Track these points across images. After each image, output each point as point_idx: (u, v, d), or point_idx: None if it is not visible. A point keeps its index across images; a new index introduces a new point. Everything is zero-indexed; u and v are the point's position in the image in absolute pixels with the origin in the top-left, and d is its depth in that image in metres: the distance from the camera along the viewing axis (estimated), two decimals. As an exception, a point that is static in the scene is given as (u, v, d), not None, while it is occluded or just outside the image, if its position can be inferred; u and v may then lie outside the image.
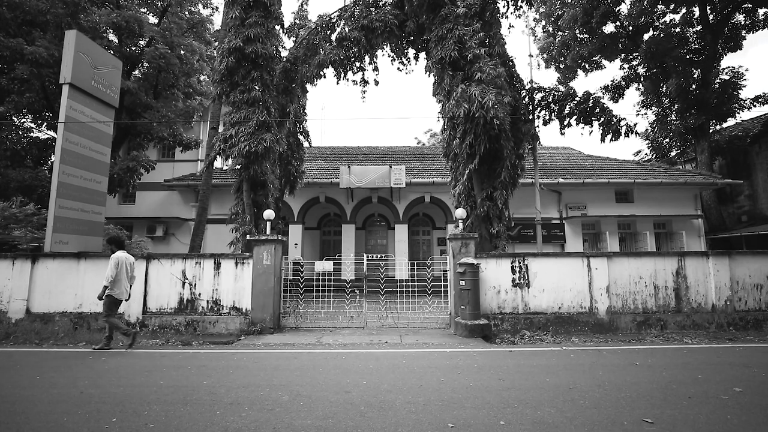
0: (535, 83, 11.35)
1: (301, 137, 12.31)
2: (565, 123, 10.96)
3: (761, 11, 17.16)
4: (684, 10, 18.43)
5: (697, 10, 17.90)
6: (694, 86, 18.05)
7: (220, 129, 11.48)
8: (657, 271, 8.00)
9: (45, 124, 14.56)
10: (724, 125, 19.46)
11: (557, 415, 3.56)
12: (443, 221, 17.25)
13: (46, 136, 14.71)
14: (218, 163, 14.29)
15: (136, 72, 15.28)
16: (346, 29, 10.64)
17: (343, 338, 7.28)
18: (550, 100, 11.04)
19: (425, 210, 18.21)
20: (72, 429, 3.32)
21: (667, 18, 19.29)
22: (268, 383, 4.51)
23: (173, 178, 16.94)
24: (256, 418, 3.49)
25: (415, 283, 9.14)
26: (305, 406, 3.79)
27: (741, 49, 18.25)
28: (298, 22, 11.60)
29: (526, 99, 11.12)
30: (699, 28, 18.33)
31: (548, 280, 7.98)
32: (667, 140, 22.24)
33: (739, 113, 18.38)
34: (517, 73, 10.64)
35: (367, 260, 9.71)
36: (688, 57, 18.23)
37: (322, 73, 10.95)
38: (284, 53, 10.99)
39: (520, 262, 8.04)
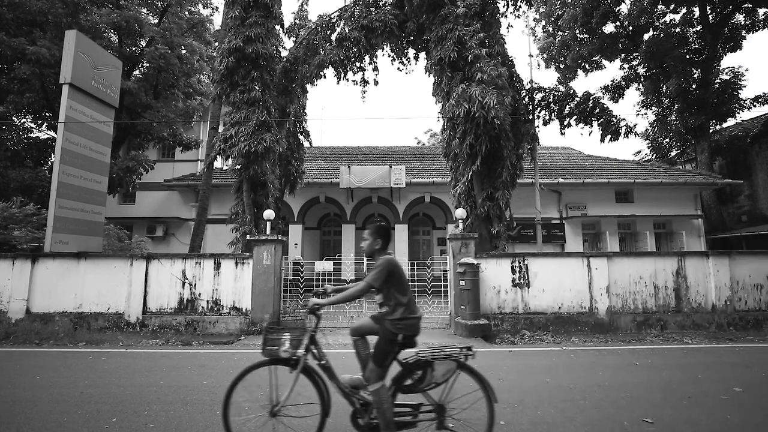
0: (535, 83, 11.35)
1: (301, 137, 12.31)
2: (565, 123, 10.97)
3: (761, 11, 17.14)
4: (684, 10, 18.41)
5: (697, 10, 17.88)
6: (694, 86, 18.03)
7: (220, 129, 11.47)
8: (657, 271, 8.01)
9: (45, 124, 14.55)
10: (724, 125, 19.44)
11: (557, 415, 3.56)
12: (443, 221, 17.24)
13: (46, 136, 14.71)
14: (218, 163, 14.29)
15: (136, 72, 15.27)
16: (346, 29, 10.64)
17: (343, 338, 7.27)
18: (550, 100, 11.05)
19: (425, 210, 18.21)
20: (72, 429, 3.32)
21: (667, 18, 19.28)
22: (269, 383, 4.50)
23: (173, 178, 16.93)
24: (256, 417, 3.49)
25: (415, 283, 9.12)
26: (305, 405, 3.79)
27: (741, 49, 18.22)
28: (298, 22, 11.60)
29: (526, 99, 11.12)
30: (699, 28, 18.31)
31: (548, 280, 7.98)
32: (667, 140, 22.23)
33: (739, 113, 18.35)
34: (517, 73, 10.64)
35: (367, 260, 9.70)
36: (688, 57, 18.21)
37: (322, 73, 10.95)
38: (284, 53, 10.99)
39: (520, 262, 8.04)
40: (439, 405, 2.76)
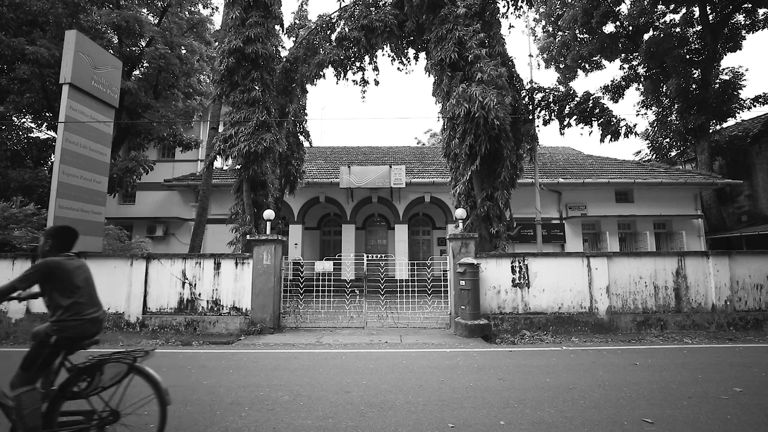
0: (535, 83, 11.37)
1: (301, 137, 12.31)
2: (565, 123, 10.99)
3: (761, 11, 17.15)
4: (684, 10, 18.42)
5: (697, 10, 17.89)
6: (694, 86, 18.03)
7: (220, 129, 11.48)
8: (657, 271, 8.00)
9: (45, 124, 14.57)
10: (724, 125, 19.45)
11: (557, 415, 3.56)
12: (443, 221, 17.25)
13: (46, 136, 14.71)
14: (218, 163, 14.28)
15: (136, 72, 15.28)
16: (346, 29, 10.64)
17: (343, 338, 7.28)
18: (550, 100, 11.07)
19: (425, 210, 18.21)
20: (72, 429, 3.31)
21: (667, 18, 19.29)
22: (268, 383, 4.51)
23: (173, 178, 16.94)
24: (256, 418, 3.50)
25: (415, 283, 9.13)
26: (305, 406, 3.80)
27: (741, 49, 18.24)
28: (298, 22, 11.60)
29: (526, 99, 11.13)
30: (699, 28, 18.31)
31: (548, 280, 7.98)
32: (667, 140, 22.23)
33: (739, 113, 18.37)
34: (517, 74, 10.64)
35: (367, 260, 9.70)
36: (688, 57, 18.22)
37: (322, 73, 10.96)
38: (284, 53, 11.00)
39: (520, 262, 8.04)
40: (113, 410, 2.68)
